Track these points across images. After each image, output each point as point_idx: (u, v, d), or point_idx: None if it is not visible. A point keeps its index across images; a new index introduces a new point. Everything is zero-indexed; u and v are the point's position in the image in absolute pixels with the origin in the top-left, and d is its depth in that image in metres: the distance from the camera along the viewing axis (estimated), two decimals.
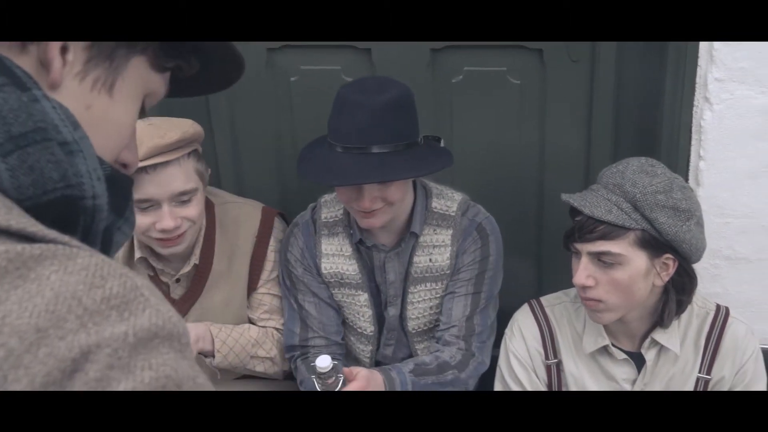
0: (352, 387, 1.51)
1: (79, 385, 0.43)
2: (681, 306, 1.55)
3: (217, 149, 2.19)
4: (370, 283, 1.77)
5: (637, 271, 1.47)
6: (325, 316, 1.82)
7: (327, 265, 1.78)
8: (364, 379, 1.54)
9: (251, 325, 1.86)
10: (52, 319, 0.44)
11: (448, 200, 1.76)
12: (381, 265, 1.76)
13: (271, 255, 1.86)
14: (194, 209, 1.67)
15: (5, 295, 0.45)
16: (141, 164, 1.53)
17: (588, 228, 1.44)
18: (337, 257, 1.77)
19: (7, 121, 0.53)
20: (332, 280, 1.79)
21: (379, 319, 1.80)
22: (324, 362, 1.47)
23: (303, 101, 2.11)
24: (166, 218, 1.61)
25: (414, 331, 1.80)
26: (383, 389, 1.62)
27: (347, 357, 1.91)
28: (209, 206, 1.82)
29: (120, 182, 0.62)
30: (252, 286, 1.86)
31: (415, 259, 1.74)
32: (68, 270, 0.47)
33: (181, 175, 1.62)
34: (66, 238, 0.51)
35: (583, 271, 1.47)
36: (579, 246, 1.48)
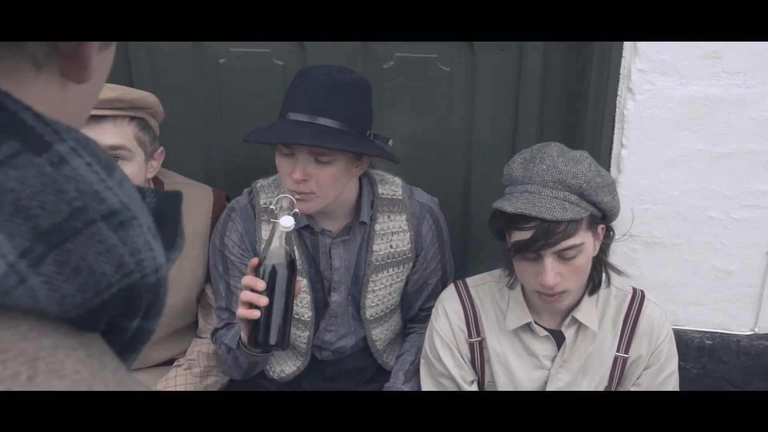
0: None
1: None
2: (605, 268, 1.62)
3: None
4: (309, 268, 1.75)
5: (589, 250, 1.53)
6: None
7: None
8: None
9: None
10: None
11: (391, 185, 1.76)
12: (326, 251, 1.74)
13: None
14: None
15: None
16: None
17: (552, 232, 1.45)
18: None
19: (30, 213, 0.35)
20: None
21: (317, 305, 1.80)
22: (288, 222, 1.41)
23: (232, 84, 2.07)
24: None
25: (371, 318, 1.81)
26: None
27: None
28: (159, 186, 1.79)
29: (168, 207, 0.45)
30: None
31: (375, 247, 1.73)
32: None
33: (114, 133, 1.59)
34: None
35: (551, 272, 1.48)
36: (542, 251, 1.48)
